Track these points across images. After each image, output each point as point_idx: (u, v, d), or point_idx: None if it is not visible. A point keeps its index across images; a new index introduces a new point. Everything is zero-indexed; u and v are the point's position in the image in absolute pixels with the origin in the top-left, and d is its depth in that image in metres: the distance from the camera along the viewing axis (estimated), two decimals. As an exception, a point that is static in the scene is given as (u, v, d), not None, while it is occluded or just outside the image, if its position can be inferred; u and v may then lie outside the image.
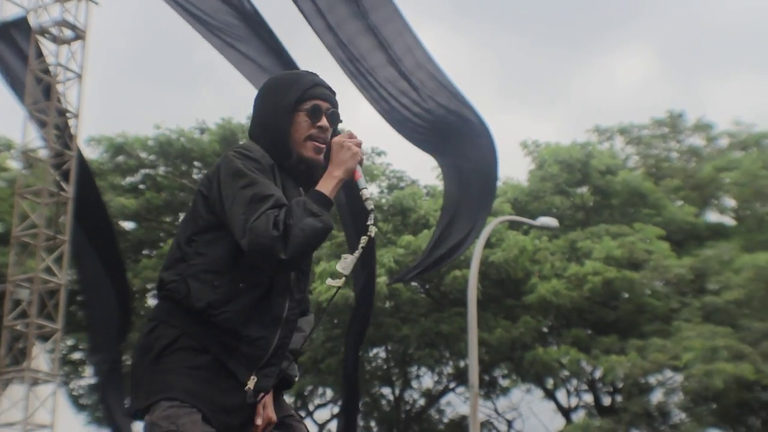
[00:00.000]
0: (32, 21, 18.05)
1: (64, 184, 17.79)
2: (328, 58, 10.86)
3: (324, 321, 28.13)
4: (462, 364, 30.94)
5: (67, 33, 18.62)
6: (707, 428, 27.40)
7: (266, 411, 3.78)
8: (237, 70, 11.75)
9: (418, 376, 33.17)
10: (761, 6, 67.69)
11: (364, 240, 3.70)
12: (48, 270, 18.21)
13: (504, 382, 32.94)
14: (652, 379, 28.89)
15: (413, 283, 29.15)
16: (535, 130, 77.97)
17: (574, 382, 31.59)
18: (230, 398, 3.61)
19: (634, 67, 71.55)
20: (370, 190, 3.78)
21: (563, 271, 27.87)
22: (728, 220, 32.44)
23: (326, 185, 3.64)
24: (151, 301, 29.11)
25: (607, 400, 30.87)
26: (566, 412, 31.69)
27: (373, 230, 3.72)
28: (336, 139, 3.73)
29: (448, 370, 32.67)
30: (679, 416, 28.97)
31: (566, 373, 30.17)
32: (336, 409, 33.05)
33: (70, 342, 30.92)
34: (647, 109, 67.14)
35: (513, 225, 28.37)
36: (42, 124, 18.03)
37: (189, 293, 3.59)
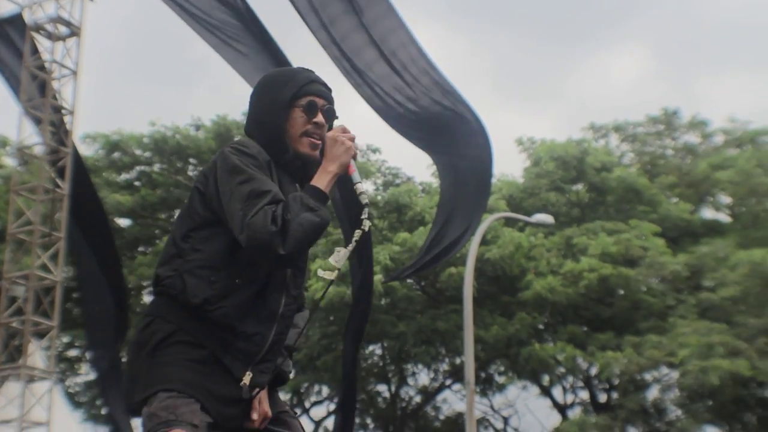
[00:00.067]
0: (27, 17, 18.00)
1: (59, 181, 17.76)
2: (323, 56, 10.87)
3: (320, 318, 28.14)
4: (458, 361, 30.98)
5: (63, 30, 18.58)
6: (703, 425, 27.45)
7: (262, 406, 3.79)
8: (233, 68, 11.73)
9: (414, 373, 33.20)
10: (755, 3, 67.77)
11: (357, 234, 3.72)
12: (44, 267, 18.19)
13: (500, 379, 32.97)
14: (648, 376, 28.93)
15: (409, 280, 29.17)
16: (531, 128, 78.17)
17: (570, 379, 31.62)
18: (227, 389, 3.63)
19: (629, 65, 71.64)
20: (365, 186, 3.79)
21: (559, 268, 27.88)
22: (724, 217, 32.47)
23: (321, 180, 3.66)
24: (147, 298, 29.14)
25: (603, 397, 30.90)
26: (562, 409, 31.73)
27: (367, 224, 3.73)
28: (329, 134, 3.75)
29: (444, 367, 32.70)
30: (675, 413, 29.02)
31: (562, 370, 30.20)
32: (332, 406, 33.08)
33: (66, 339, 30.92)
34: (642, 107, 67.37)
35: (508, 222, 28.38)
36: (37, 121, 18.00)
37: (185, 289, 3.61)
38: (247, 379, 3.66)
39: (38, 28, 18.27)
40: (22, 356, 17.95)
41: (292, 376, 3.97)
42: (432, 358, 30.81)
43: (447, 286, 28.42)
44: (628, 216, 29.74)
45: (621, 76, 70.16)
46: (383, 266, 26.08)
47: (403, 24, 10.87)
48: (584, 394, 31.81)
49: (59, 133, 17.84)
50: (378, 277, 24.52)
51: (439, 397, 34.07)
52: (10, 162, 28.65)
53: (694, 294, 27.44)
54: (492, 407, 33.79)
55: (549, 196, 30.95)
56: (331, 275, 3.71)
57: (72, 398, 32.56)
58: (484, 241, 26.02)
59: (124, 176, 31.78)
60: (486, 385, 32.71)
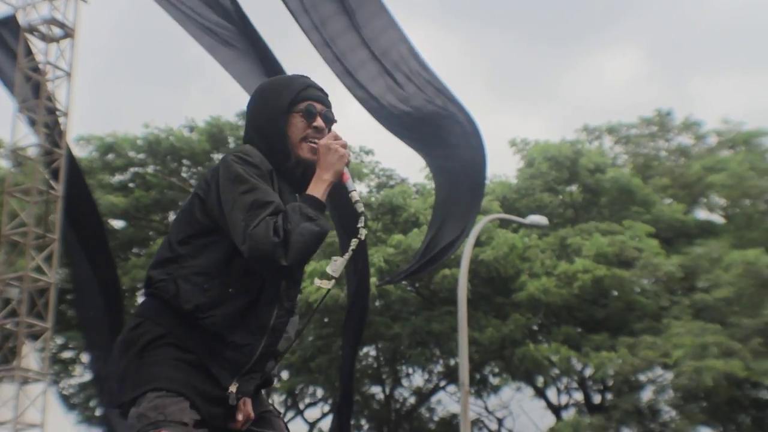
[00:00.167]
0: (21, 19, 17.97)
1: (53, 183, 17.74)
2: (317, 57, 10.86)
3: (314, 320, 28.13)
4: (452, 362, 30.97)
5: (56, 31, 18.57)
6: (697, 426, 27.46)
7: (246, 407, 3.79)
8: (226, 70, 11.72)
9: (408, 375, 33.21)
10: (749, 5, 67.89)
11: (354, 242, 3.73)
12: (38, 269, 18.17)
13: (494, 381, 32.98)
14: (643, 377, 28.96)
15: (403, 282, 29.14)
16: (524, 129, 78.16)
17: (565, 380, 31.64)
18: (213, 389, 3.62)
19: (622, 66, 71.74)
20: (359, 190, 3.80)
21: (553, 269, 27.90)
22: (717, 218, 32.51)
23: (317, 189, 3.66)
24: (141, 300, 29.03)
25: (597, 398, 30.92)
26: (556, 410, 31.74)
27: (363, 233, 3.74)
28: (321, 142, 3.75)
29: (439, 368, 32.70)
30: (669, 414, 29.04)
31: (556, 371, 30.21)
32: (327, 408, 33.10)
33: (60, 341, 30.90)
34: (636, 108, 67.38)
35: (503, 223, 28.38)
36: (31, 123, 17.98)
37: (178, 294, 3.60)
38: (233, 388, 3.66)
39: (32, 30, 18.25)
40: (16, 358, 17.92)
41: (286, 377, 3.97)
42: (426, 359, 30.82)
43: (441, 287, 28.41)
44: (622, 217, 29.76)
45: (615, 77, 70.28)
46: (378, 268, 26.06)
47: (395, 23, 10.86)
48: (578, 395, 31.85)
49: (53, 134, 17.82)
50: (372, 280, 24.52)
51: (434, 399, 34.11)
52: (4, 163, 28.63)
53: (688, 295, 27.46)
54: (486, 408, 33.83)
55: (543, 197, 30.98)
56: (328, 284, 3.71)
57: (66, 400, 32.54)
58: (478, 243, 26.03)
59: (118, 178, 31.76)
60: (480, 387, 32.72)
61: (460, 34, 75.63)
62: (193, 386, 3.55)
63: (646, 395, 29.57)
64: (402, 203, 29.68)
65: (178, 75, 72.71)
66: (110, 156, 31.14)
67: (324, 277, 3.73)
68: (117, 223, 31.40)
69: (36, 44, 18.38)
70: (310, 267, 25.97)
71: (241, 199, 3.53)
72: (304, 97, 3.82)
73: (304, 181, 3.77)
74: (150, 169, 31.59)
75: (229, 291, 3.61)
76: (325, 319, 28.61)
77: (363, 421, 33.06)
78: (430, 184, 28.06)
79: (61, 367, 32.20)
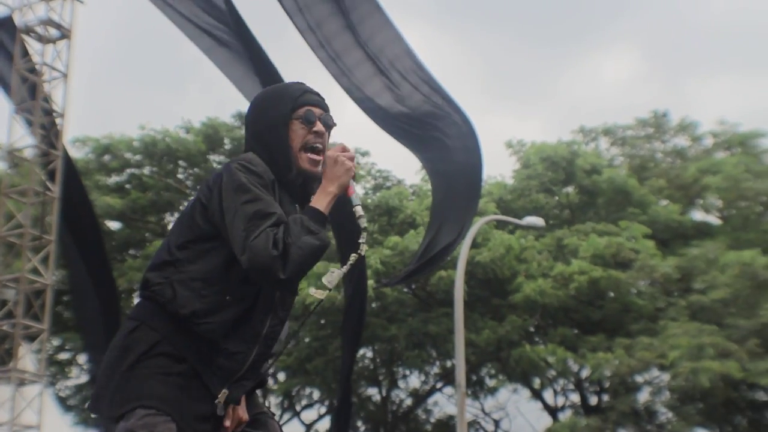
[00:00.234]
0: (17, 20, 17.98)
1: (50, 184, 17.74)
2: (313, 58, 10.86)
3: (311, 321, 28.11)
4: (449, 364, 30.96)
5: (53, 32, 18.57)
6: (694, 427, 27.46)
7: (236, 412, 3.79)
8: (223, 72, 11.73)
9: (405, 376, 33.18)
10: (746, 7, 67.98)
11: (353, 257, 3.72)
12: (34, 270, 18.16)
13: (491, 382, 32.95)
14: (639, 378, 28.96)
15: (399, 284, 29.14)
16: (520, 130, 78.18)
17: (561, 381, 31.63)
18: (202, 406, 3.62)
19: (619, 67, 71.83)
20: (359, 193, 3.81)
21: (549, 270, 27.90)
22: (714, 220, 32.52)
23: (321, 201, 3.66)
24: (137, 302, 28.99)
25: (593, 400, 30.91)
26: (553, 412, 31.74)
27: (364, 248, 3.74)
28: (329, 153, 3.74)
29: (435, 370, 32.68)
30: (665, 415, 29.04)
31: (553, 372, 30.21)
32: (323, 409, 33.09)
33: (56, 342, 30.87)
34: (632, 109, 67.42)
35: (499, 224, 28.37)
36: (28, 124, 17.98)
37: (174, 298, 3.59)
38: (222, 397, 3.66)
39: (28, 31, 18.25)
40: (12, 359, 17.92)
41: (282, 379, 3.98)
42: (423, 361, 30.80)
43: (438, 289, 28.40)
44: (618, 218, 29.77)
45: (611, 78, 70.36)
46: (374, 270, 26.04)
47: (391, 23, 10.86)
48: (575, 397, 31.84)
49: (50, 135, 17.82)
50: (369, 282, 24.52)
51: (430, 400, 34.08)
52: (1, 165, 28.61)
53: (685, 296, 27.47)
54: (483, 410, 33.81)
55: (539, 197, 30.99)
56: (321, 294, 3.71)
57: (62, 402, 32.50)
58: (474, 244, 26.02)
59: (114, 179, 31.74)
60: (477, 388, 32.70)
61: (455, 34, 75.73)
62: (182, 406, 3.55)
63: (643, 397, 29.58)
64: (398, 205, 29.68)
65: (174, 76, 72.73)
66: (106, 157, 31.12)
67: (319, 287, 3.72)
68: (113, 225, 31.38)
69: (32, 45, 18.39)
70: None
71: (243, 208, 3.52)
72: (303, 102, 3.81)
73: (303, 192, 3.78)
74: (146, 170, 31.58)
75: (226, 298, 3.61)
76: (322, 321, 28.60)
77: (359, 423, 33.03)
78: (427, 186, 28.04)
79: (57, 369, 32.17)
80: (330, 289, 3.69)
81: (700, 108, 69.53)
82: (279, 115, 3.78)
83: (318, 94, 3.89)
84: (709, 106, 67.03)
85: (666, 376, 27.71)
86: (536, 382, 31.63)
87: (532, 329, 29.80)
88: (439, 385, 33.22)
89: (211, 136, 30.80)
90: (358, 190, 3.82)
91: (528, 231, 28.32)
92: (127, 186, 31.46)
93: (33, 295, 18.12)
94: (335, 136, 3.92)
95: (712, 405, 26.80)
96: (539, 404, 32.21)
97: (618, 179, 30.76)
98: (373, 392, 33.22)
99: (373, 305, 28.33)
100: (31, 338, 18.54)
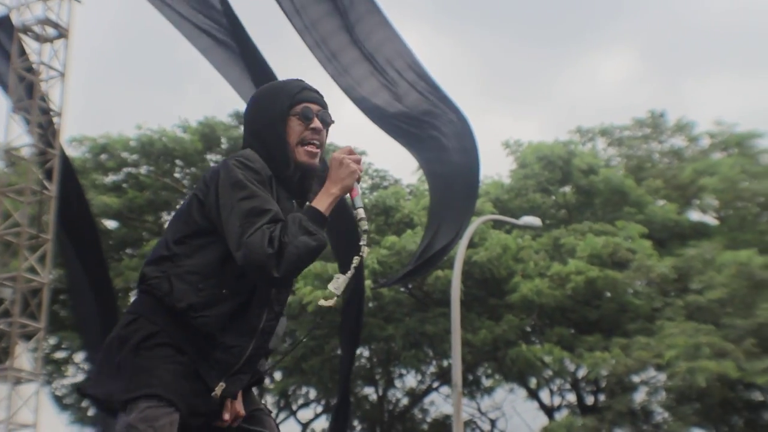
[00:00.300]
0: (15, 19, 17.97)
1: (47, 183, 17.74)
2: (312, 59, 10.87)
3: (307, 321, 28.10)
4: (445, 363, 30.97)
5: (50, 31, 18.56)
6: (690, 427, 27.48)
7: (234, 406, 3.81)
8: (220, 73, 11.71)
9: (401, 376, 33.18)
10: (742, 7, 68.02)
11: (356, 260, 3.73)
12: (31, 269, 18.16)
13: (487, 382, 32.97)
14: (636, 378, 28.97)
15: (395, 284, 29.14)
16: (518, 130, 78.12)
17: (558, 381, 31.64)
18: (200, 401, 3.64)
19: (616, 67, 71.85)
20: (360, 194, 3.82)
21: (546, 270, 27.91)
22: (710, 220, 32.55)
23: (322, 202, 3.66)
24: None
25: (590, 400, 30.93)
26: (549, 412, 31.74)
27: (366, 251, 3.75)
28: (335, 155, 3.75)
29: (432, 369, 32.69)
30: (662, 415, 29.06)
31: (550, 372, 30.22)
32: (319, 409, 33.12)
33: (53, 341, 30.86)
34: (630, 109, 67.45)
35: (496, 224, 28.38)
36: (25, 123, 17.98)
37: (171, 292, 3.61)
38: (219, 390, 3.67)
39: (26, 30, 18.24)
40: (9, 358, 17.92)
41: (279, 378, 4.00)
42: (419, 360, 30.79)
43: (434, 289, 28.41)
44: (615, 218, 29.79)
45: (609, 78, 70.38)
46: (371, 270, 26.06)
47: (388, 21, 10.86)
48: (571, 397, 31.84)
49: (47, 134, 17.81)
50: (367, 283, 24.53)
51: (427, 400, 34.11)
52: (-2, 164, 28.59)
53: (682, 296, 27.49)
54: (479, 410, 33.80)
55: (536, 197, 31.01)
56: (331, 303, 3.72)
57: (59, 400, 32.49)
58: (471, 244, 26.02)
59: (111, 178, 31.72)
60: (473, 388, 32.71)
61: (453, 35, 75.74)
62: (183, 393, 3.56)
63: (639, 397, 29.60)
64: (395, 204, 29.70)
65: (172, 76, 72.65)
66: (103, 156, 31.11)
67: (327, 295, 3.72)
68: (110, 224, 31.36)
69: (30, 44, 18.39)
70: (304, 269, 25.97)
71: (240, 205, 3.53)
72: (300, 99, 3.82)
73: (301, 188, 3.79)
74: (143, 169, 31.56)
75: (222, 292, 3.62)
76: (318, 319, 28.57)
77: (356, 422, 33.03)
78: (424, 186, 28.04)
79: (53, 368, 32.13)
80: (338, 296, 3.70)
81: (698, 108, 69.62)
82: (276, 111, 3.79)
83: (316, 91, 3.90)
84: (706, 107, 67.08)
85: (663, 376, 27.74)
86: (533, 382, 31.64)
87: (528, 329, 29.81)
88: (435, 384, 33.24)
89: (208, 136, 30.79)
90: (361, 203, 3.83)
91: (525, 231, 28.33)
92: (124, 185, 31.43)
93: (30, 294, 18.11)
94: (333, 135, 3.93)
95: (709, 405, 26.82)
96: (535, 404, 32.24)
97: (615, 179, 30.79)
98: (369, 392, 33.25)
99: (370, 305, 28.32)
100: (28, 337, 18.52)
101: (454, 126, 10.48)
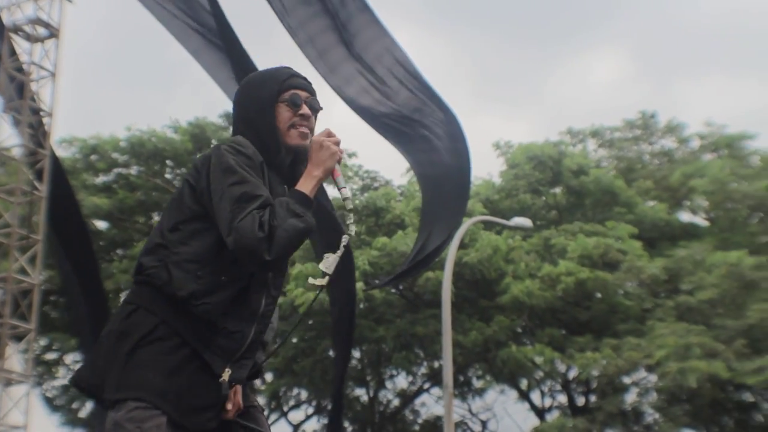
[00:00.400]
0: (5, 19, 17.95)
1: (37, 183, 17.71)
2: (303, 59, 10.86)
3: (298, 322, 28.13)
4: (436, 364, 30.98)
5: (41, 31, 18.54)
6: (681, 428, 27.52)
7: (236, 397, 3.81)
8: (209, 75, 11.69)
9: (392, 377, 33.18)
10: (734, 9, 68.18)
11: (345, 239, 3.74)
12: (21, 270, 18.12)
13: (478, 383, 32.99)
14: (627, 379, 29.02)
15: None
16: (508, 131, 78.18)
17: (549, 382, 31.66)
18: (203, 394, 3.63)
19: (607, 69, 71.93)
20: (348, 190, 3.83)
21: (537, 271, 27.93)
22: (701, 221, 32.61)
23: (306, 185, 3.68)
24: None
25: (581, 401, 30.96)
26: (540, 413, 31.76)
27: (353, 229, 3.78)
28: (315, 138, 3.78)
29: (423, 370, 32.70)
30: (652, 416, 29.10)
31: (540, 373, 30.25)
32: (310, 410, 33.10)
33: (43, 342, 30.79)
34: (621, 110, 67.45)
35: (487, 225, 28.39)
36: (16, 123, 17.94)
37: (170, 280, 3.60)
38: (226, 375, 3.67)
39: (17, 30, 18.22)
40: (-1, 359, 17.88)
41: (270, 380, 4.00)
42: (410, 362, 30.80)
43: (425, 290, 28.42)
44: (605, 218, 29.84)
45: (600, 79, 70.44)
46: (362, 271, 26.06)
47: (378, 21, 10.85)
48: (562, 398, 31.87)
49: (37, 134, 17.79)
50: (358, 285, 24.52)
51: (418, 401, 34.12)
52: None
53: (672, 297, 27.55)
54: (470, 411, 33.81)
55: (526, 198, 31.04)
56: (322, 282, 3.73)
57: (49, 402, 32.42)
58: (462, 245, 26.03)
59: (101, 179, 31.68)
60: (464, 389, 32.72)
61: (444, 35, 75.76)
62: (181, 395, 3.55)
63: (630, 398, 29.65)
64: (386, 206, 29.70)
65: (162, 76, 72.58)
66: (94, 157, 31.07)
67: (317, 274, 3.75)
68: (101, 225, 31.32)
69: (21, 44, 18.39)
70: (295, 270, 25.97)
71: (230, 190, 3.54)
72: (289, 86, 3.85)
73: (292, 173, 3.81)
74: (133, 170, 31.54)
75: (221, 278, 3.63)
76: (310, 321, 28.57)
77: (347, 423, 33.02)
78: (414, 187, 28.07)
79: (44, 369, 32.08)
80: (329, 275, 3.71)
81: (689, 110, 69.65)
82: (265, 97, 3.82)
83: (304, 78, 3.93)
84: (697, 108, 67.17)
85: (653, 377, 27.78)
86: (523, 383, 31.67)
87: (519, 330, 29.84)
88: (426, 385, 33.24)
89: (198, 136, 30.78)
90: (344, 183, 3.85)
91: (516, 231, 28.35)
92: (115, 186, 31.40)
93: (20, 295, 18.08)
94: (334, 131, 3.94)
95: (699, 406, 26.88)
96: (526, 405, 32.26)
97: (605, 179, 30.84)
98: (360, 393, 33.23)
99: (361, 306, 28.33)
100: (18, 338, 18.49)
101: (444, 126, 10.47)
